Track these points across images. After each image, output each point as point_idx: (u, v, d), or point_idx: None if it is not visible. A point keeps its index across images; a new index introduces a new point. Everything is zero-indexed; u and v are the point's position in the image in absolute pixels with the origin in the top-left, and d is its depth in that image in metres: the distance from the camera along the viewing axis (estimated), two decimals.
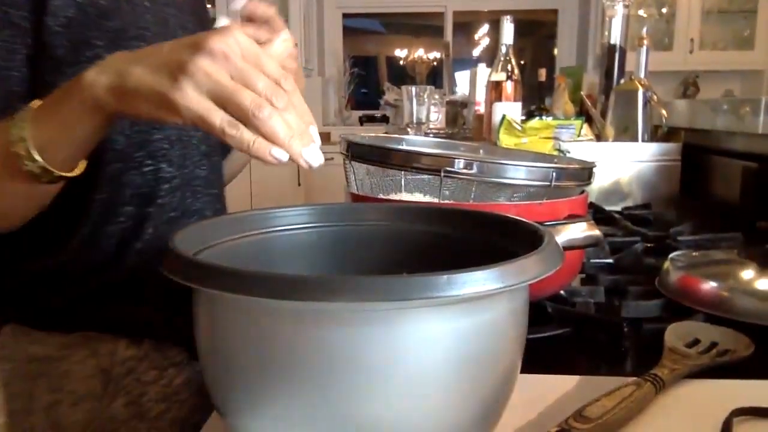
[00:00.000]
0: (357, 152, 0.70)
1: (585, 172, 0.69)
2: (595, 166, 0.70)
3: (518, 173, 0.63)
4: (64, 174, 0.51)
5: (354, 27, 4.79)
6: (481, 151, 0.90)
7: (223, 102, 0.42)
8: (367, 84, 4.88)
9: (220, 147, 0.80)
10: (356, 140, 0.71)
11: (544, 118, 1.59)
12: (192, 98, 0.41)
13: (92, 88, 0.46)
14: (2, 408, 0.68)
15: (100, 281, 0.67)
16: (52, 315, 0.67)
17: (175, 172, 0.70)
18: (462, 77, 3.11)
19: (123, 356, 0.68)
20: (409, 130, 2.16)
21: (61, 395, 0.66)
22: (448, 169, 0.62)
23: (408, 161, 0.65)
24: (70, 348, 0.66)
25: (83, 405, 0.67)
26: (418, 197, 0.74)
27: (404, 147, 0.84)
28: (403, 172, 0.74)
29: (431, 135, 2.15)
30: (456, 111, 2.59)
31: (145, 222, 0.68)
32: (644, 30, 3.61)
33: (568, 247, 0.55)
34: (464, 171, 0.62)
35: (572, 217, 0.60)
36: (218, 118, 0.42)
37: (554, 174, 0.64)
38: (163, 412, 0.71)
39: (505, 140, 1.40)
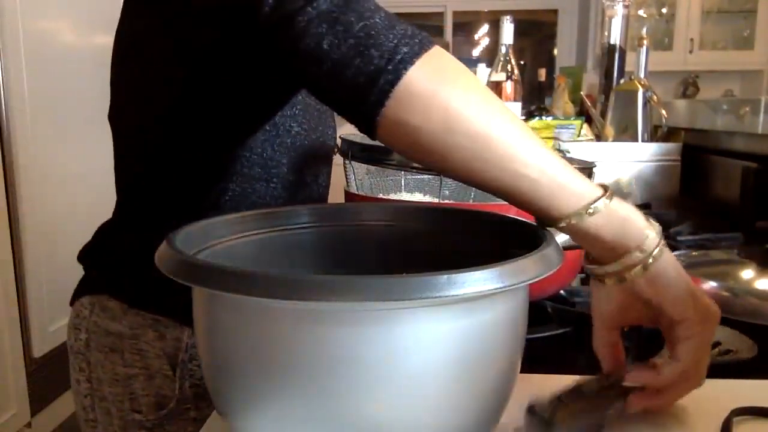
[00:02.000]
0: (356, 152, 0.70)
1: (584, 172, 0.69)
2: (595, 165, 0.70)
3: None
4: None
5: None
6: None
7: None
8: None
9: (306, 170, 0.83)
10: (355, 140, 0.71)
11: (544, 118, 1.59)
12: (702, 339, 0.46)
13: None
14: (85, 374, 0.74)
15: None
16: (130, 295, 0.71)
17: (270, 191, 0.72)
18: None
19: (186, 343, 0.72)
20: None
21: (135, 370, 0.72)
22: None
23: (407, 161, 0.65)
24: (141, 328, 0.71)
25: (155, 382, 0.72)
26: (418, 197, 0.74)
27: None
28: (403, 172, 0.74)
29: None
30: None
31: None
32: (644, 30, 3.61)
33: (569, 247, 0.55)
34: None
35: None
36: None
37: None
38: None
39: None
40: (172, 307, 0.71)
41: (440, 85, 0.45)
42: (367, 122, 0.46)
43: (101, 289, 0.73)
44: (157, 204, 0.70)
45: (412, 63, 0.45)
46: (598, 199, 0.44)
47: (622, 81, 1.51)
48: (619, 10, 1.50)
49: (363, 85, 0.45)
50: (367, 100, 0.45)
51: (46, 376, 2.20)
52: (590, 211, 0.44)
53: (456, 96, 0.45)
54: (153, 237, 0.69)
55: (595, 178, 0.71)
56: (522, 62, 4.48)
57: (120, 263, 0.72)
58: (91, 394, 0.75)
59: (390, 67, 0.45)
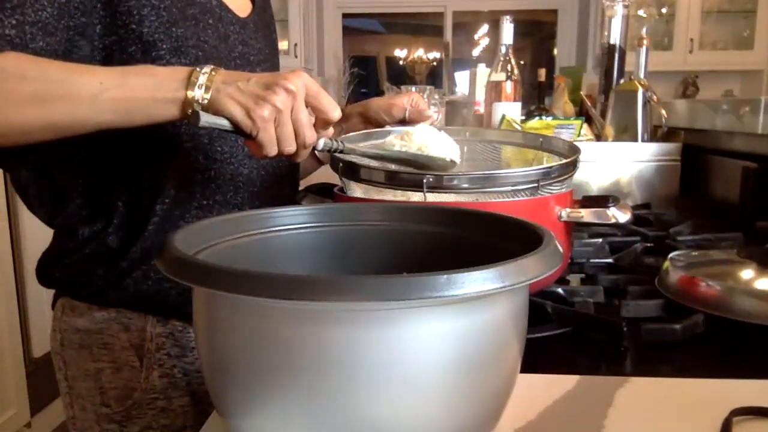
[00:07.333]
0: (342, 168, 0.70)
1: (570, 165, 0.69)
2: (579, 152, 0.71)
3: (507, 180, 0.64)
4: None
5: (354, 27, 4.78)
6: (467, 133, 0.90)
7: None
8: (367, 84, 4.87)
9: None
10: (345, 158, 0.70)
11: (544, 118, 1.59)
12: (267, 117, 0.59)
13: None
14: (62, 373, 0.77)
15: (133, 261, 0.71)
16: (93, 291, 0.73)
17: (215, 166, 0.74)
18: (462, 77, 3.11)
19: (152, 333, 0.74)
20: None
21: (102, 364, 0.74)
22: (431, 180, 0.62)
23: (391, 180, 0.66)
24: (105, 322, 0.73)
25: (123, 374, 0.73)
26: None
27: (387, 165, 0.83)
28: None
29: None
30: (456, 111, 2.59)
31: (178, 208, 0.72)
32: (644, 30, 3.60)
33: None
34: (446, 185, 0.62)
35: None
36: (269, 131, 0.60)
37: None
38: (189, 383, 0.77)
39: None
40: (132, 299, 0.72)
41: None
42: None
43: (66, 292, 0.76)
44: (86, 208, 0.71)
45: None
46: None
47: (622, 81, 1.50)
48: (619, 10, 1.50)
49: None
50: None
51: (46, 376, 2.20)
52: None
53: (11, 110, 0.56)
54: (91, 239, 0.71)
55: (594, 176, 0.71)
56: (522, 62, 4.48)
57: (67, 267, 0.73)
58: (69, 391, 0.77)
59: None
